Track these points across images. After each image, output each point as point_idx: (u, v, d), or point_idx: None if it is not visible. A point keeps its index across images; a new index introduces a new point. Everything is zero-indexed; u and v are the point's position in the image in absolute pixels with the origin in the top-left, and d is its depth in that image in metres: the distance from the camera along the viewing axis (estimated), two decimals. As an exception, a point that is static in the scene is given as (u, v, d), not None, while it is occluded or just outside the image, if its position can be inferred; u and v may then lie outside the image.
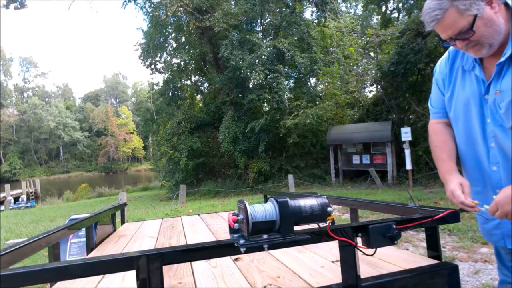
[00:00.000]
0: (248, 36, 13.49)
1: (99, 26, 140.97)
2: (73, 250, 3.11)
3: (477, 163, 1.27)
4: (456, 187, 1.21)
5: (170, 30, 16.73)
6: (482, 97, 1.21)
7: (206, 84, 17.68)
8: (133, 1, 15.51)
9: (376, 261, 1.43)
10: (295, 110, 13.19)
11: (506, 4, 1.16)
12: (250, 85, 14.53)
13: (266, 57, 13.22)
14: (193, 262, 1.60)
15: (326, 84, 13.94)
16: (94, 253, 2.09)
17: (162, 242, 2.24)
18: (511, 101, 1.10)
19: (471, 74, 1.26)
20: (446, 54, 1.38)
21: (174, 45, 17.32)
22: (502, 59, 1.12)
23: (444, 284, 1.17)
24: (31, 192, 25.66)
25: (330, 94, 13.53)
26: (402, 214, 1.45)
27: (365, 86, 14.63)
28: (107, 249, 2.14)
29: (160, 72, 17.20)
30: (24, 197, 22.08)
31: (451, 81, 1.33)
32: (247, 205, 0.89)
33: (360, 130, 11.43)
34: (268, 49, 13.18)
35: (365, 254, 1.03)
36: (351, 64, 14.78)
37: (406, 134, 9.37)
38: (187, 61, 16.77)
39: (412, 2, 13.59)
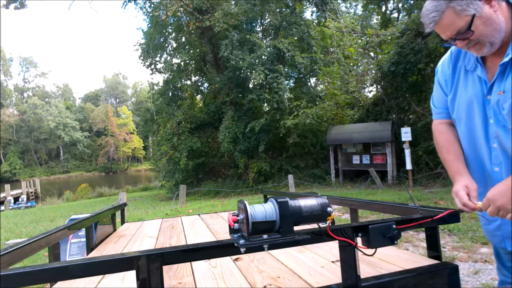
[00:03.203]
0: (248, 36, 13.49)
1: (99, 26, 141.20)
2: (73, 250, 3.12)
3: (479, 164, 1.27)
4: (461, 188, 1.21)
5: (170, 30, 16.73)
6: (484, 97, 1.21)
7: (206, 84, 17.69)
8: (133, 1, 15.52)
9: (376, 261, 1.43)
10: (295, 110, 13.20)
11: (508, 3, 1.15)
12: (250, 85, 14.53)
13: (266, 57, 13.23)
14: (193, 262, 1.60)
15: (326, 84, 13.95)
16: (94, 253, 2.09)
17: (162, 242, 2.24)
18: None
19: (473, 74, 1.25)
20: (448, 54, 1.37)
21: (174, 45, 17.32)
22: (506, 59, 1.12)
23: (444, 284, 1.17)
24: (31, 192, 25.67)
25: (330, 94, 13.53)
26: (402, 214, 1.45)
27: (365, 86, 14.64)
28: (107, 249, 2.14)
29: (160, 72, 17.20)
30: (24, 197, 22.09)
31: (454, 81, 1.33)
32: (247, 205, 0.89)
33: (360, 130, 11.43)
34: (268, 49, 13.19)
35: (365, 254, 1.03)
36: (351, 64, 14.78)
37: (406, 134, 9.37)
38: (187, 61, 16.77)
39: (412, 2, 13.59)
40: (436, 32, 1.21)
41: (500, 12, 1.12)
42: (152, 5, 15.26)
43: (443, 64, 1.39)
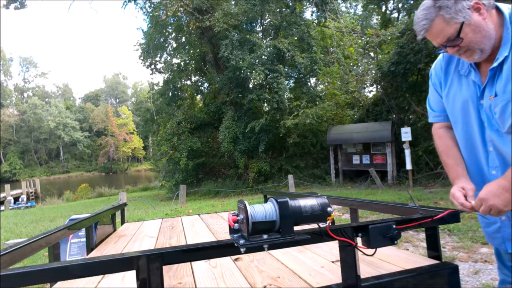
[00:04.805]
0: (248, 36, 13.49)
1: (99, 26, 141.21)
2: (73, 250, 3.12)
3: (477, 167, 1.28)
4: (457, 189, 1.22)
5: (170, 30, 16.73)
6: (478, 102, 1.22)
7: (206, 84, 17.68)
8: (133, 1, 15.51)
9: (376, 261, 1.43)
10: (295, 110, 13.19)
11: (498, 9, 1.16)
12: (250, 85, 14.53)
13: (266, 57, 13.22)
14: (193, 262, 1.60)
15: (326, 84, 13.95)
16: (94, 253, 2.09)
17: (162, 242, 2.24)
18: (504, 106, 1.11)
19: (468, 79, 1.26)
20: (440, 56, 1.39)
21: (174, 45, 17.31)
22: (495, 64, 1.13)
23: (444, 284, 1.17)
24: (31, 192, 25.67)
25: (330, 94, 13.52)
26: (402, 214, 1.45)
27: (365, 86, 14.63)
28: (107, 249, 2.14)
29: (160, 72, 17.20)
30: (24, 197, 22.08)
31: (447, 84, 1.34)
32: (247, 205, 0.89)
33: (360, 130, 11.43)
34: (268, 49, 13.19)
35: (365, 254, 1.03)
36: (351, 64, 14.78)
37: (406, 134, 9.38)
38: (187, 61, 16.77)
39: (412, 2, 13.59)
40: None
41: (489, 19, 1.13)
42: (152, 5, 15.26)
43: (436, 67, 1.41)
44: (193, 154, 14.60)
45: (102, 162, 58.13)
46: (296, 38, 13.65)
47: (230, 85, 14.03)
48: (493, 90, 1.15)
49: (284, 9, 14.40)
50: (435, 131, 1.46)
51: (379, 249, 1.03)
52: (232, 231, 0.95)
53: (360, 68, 14.56)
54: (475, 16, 1.11)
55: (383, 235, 1.01)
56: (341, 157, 12.01)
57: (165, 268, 0.91)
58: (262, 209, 0.91)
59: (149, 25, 15.74)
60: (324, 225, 0.97)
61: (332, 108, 12.88)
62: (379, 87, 13.02)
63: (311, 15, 16.20)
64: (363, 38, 13.93)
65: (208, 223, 2.78)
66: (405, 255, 1.51)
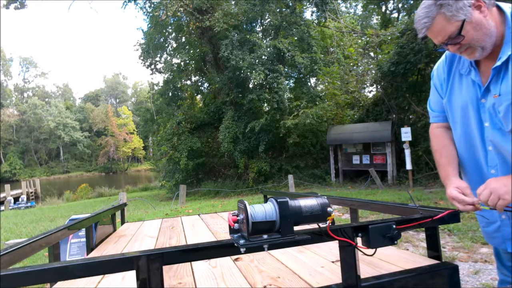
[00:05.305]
0: (248, 36, 13.50)
1: (99, 26, 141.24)
2: (73, 250, 3.12)
3: (476, 167, 1.28)
4: (453, 191, 1.22)
5: (170, 30, 16.74)
6: (479, 101, 1.22)
7: (206, 84, 17.69)
8: (133, 1, 15.53)
9: (376, 261, 1.43)
10: (295, 110, 13.20)
11: (498, 8, 1.16)
12: (250, 85, 14.53)
13: (266, 57, 13.23)
14: (193, 262, 1.60)
15: (326, 84, 13.95)
16: (94, 253, 2.09)
17: (162, 242, 2.24)
18: (509, 105, 1.11)
19: (468, 78, 1.26)
20: (443, 57, 1.39)
21: (174, 45, 17.33)
22: (498, 63, 1.13)
23: (444, 284, 1.17)
24: (31, 192, 25.68)
25: (330, 94, 13.53)
26: (402, 214, 1.45)
27: (365, 86, 14.62)
28: (107, 249, 2.14)
29: (160, 72, 17.21)
30: (24, 197, 22.09)
31: (449, 85, 1.34)
32: (247, 205, 0.89)
33: (360, 130, 11.43)
34: (268, 49, 13.19)
35: (365, 254, 1.03)
36: (351, 64, 14.77)
37: (406, 134, 9.38)
38: (187, 61, 16.78)
39: (412, 2, 13.59)
40: None
41: (490, 17, 1.13)
42: (152, 5, 15.27)
43: (438, 68, 1.41)
44: (193, 154, 14.60)
45: (102, 162, 58.13)
46: (296, 38, 13.66)
47: (230, 85, 14.03)
48: (497, 88, 1.15)
49: (284, 9, 14.40)
50: (431, 131, 1.46)
51: (379, 249, 1.03)
52: (232, 231, 0.95)
53: (360, 68, 14.54)
54: (476, 13, 1.11)
55: (383, 235, 1.01)
56: (341, 157, 12.00)
57: (165, 268, 0.91)
58: (262, 209, 0.91)
59: (149, 25, 15.75)
60: (324, 225, 0.97)
61: (332, 108, 12.88)
62: (379, 87, 13.02)
63: (311, 15, 16.24)
64: (363, 38, 13.91)
65: (208, 223, 2.78)
66: (405, 255, 1.51)
